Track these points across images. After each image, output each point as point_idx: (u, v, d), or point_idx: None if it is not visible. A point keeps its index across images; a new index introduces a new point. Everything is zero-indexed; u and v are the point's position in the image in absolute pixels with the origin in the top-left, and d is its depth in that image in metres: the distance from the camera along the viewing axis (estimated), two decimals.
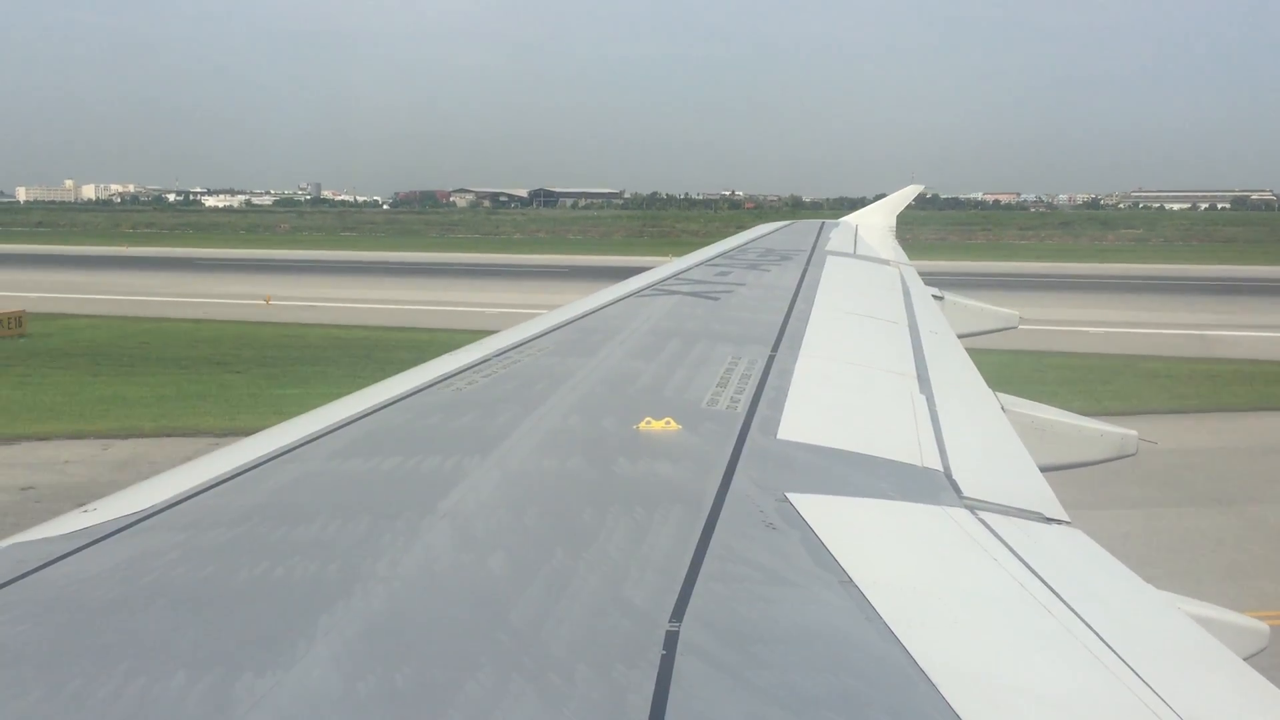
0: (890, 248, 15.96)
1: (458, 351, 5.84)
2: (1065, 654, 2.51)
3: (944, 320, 8.96)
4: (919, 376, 5.90)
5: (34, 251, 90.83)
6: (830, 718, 2.04)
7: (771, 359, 5.79)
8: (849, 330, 7.78)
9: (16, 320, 41.46)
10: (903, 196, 21.29)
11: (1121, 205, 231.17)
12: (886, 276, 11.87)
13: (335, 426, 4.11)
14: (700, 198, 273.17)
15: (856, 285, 11.03)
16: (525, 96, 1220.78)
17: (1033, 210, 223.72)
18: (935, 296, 10.74)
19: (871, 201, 22.72)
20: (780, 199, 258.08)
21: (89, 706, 1.97)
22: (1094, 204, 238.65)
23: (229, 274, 68.52)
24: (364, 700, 1.99)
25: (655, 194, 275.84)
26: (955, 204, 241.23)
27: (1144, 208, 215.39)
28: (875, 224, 19.23)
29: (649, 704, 2.00)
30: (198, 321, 45.08)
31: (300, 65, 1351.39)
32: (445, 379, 5.05)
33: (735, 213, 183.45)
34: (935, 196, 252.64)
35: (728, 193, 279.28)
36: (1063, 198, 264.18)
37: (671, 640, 2.26)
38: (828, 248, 14.29)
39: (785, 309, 7.89)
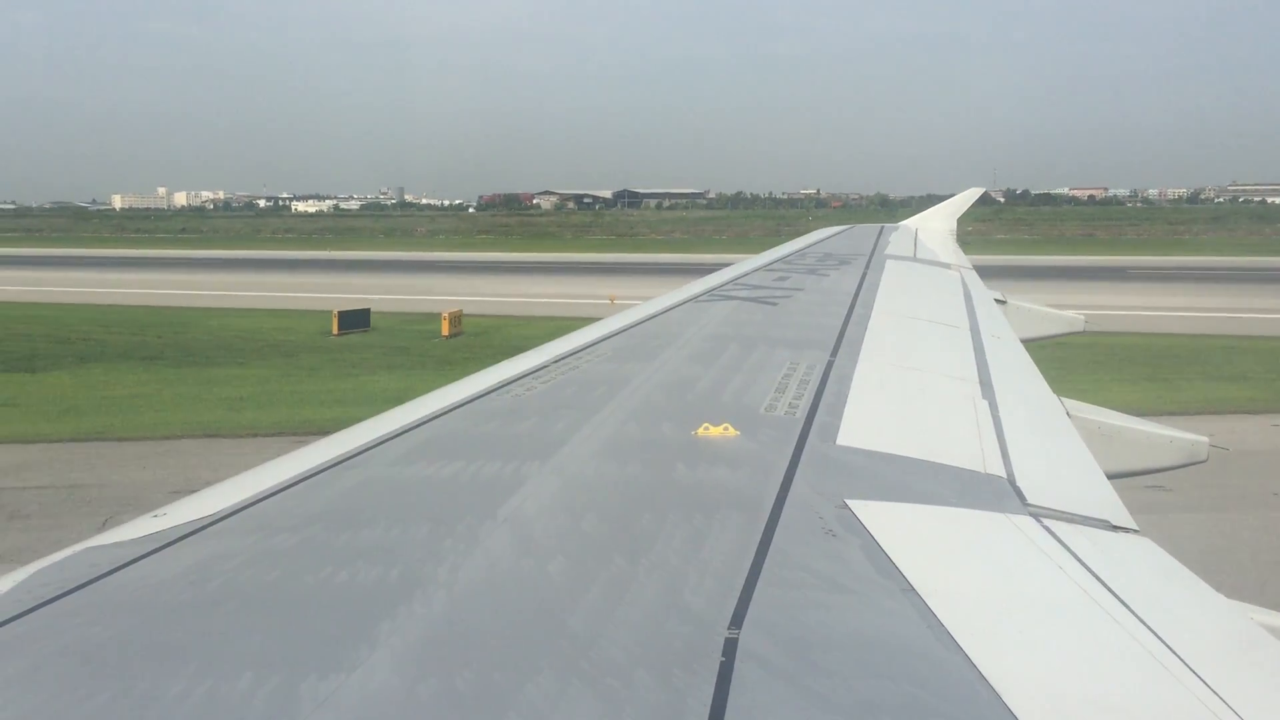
0: (951, 251, 15.68)
1: (518, 358, 5.94)
2: (1134, 665, 2.46)
3: (1007, 324, 8.86)
4: (981, 381, 5.85)
5: (242, 257, 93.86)
6: None
7: (830, 364, 5.74)
8: (909, 334, 7.71)
9: (458, 319, 44.15)
10: (964, 199, 21.23)
11: (1219, 200, 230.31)
12: (947, 280, 11.72)
13: (398, 432, 4.21)
14: (784, 197, 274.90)
15: (917, 289, 10.97)
16: (604, 98, 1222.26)
17: (1129, 205, 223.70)
18: (997, 300, 10.67)
19: None
20: (863, 197, 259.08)
21: (159, 706, 2.03)
22: (1194, 198, 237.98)
23: (506, 276, 70.97)
24: (425, 703, 2.03)
25: (740, 194, 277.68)
26: (1047, 200, 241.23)
27: (1244, 202, 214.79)
28: (936, 227, 18.97)
29: (708, 709, 2.01)
30: (588, 319, 47.34)
31: (378, 73, 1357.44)
32: (505, 385, 5.12)
33: (826, 212, 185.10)
34: (1026, 192, 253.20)
35: (812, 191, 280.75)
36: (1153, 192, 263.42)
37: (731, 647, 2.27)
38: (887, 251, 14.12)
39: (844, 313, 7.86)
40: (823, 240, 17.10)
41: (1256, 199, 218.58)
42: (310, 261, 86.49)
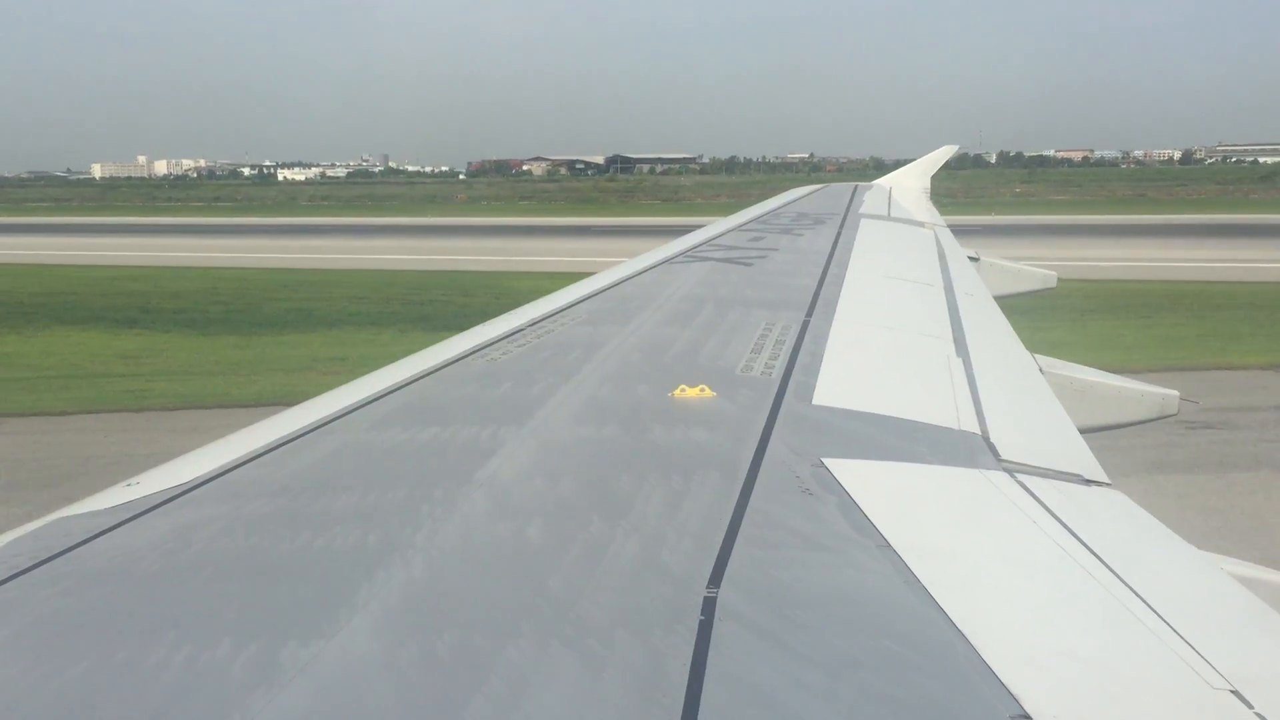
0: (925, 209, 15.79)
1: (493, 321, 5.92)
2: (1106, 615, 2.51)
3: (980, 282, 8.91)
4: (955, 339, 5.87)
5: (360, 224, 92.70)
6: (869, 680, 2.07)
7: (806, 324, 5.76)
8: (884, 293, 7.78)
9: None
10: (936, 158, 21.20)
11: (1210, 160, 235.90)
12: (921, 239, 11.87)
13: (373, 398, 4.20)
14: (778, 161, 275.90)
15: (891, 248, 11.03)
16: (592, 63, 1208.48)
17: (1122, 166, 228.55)
18: (971, 258, 10.77)
19: None
20: (853, 160, 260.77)
21: (138, 674, 2.02)
22: (1187, 159, 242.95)
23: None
24: (406, 666, 2.03)
25: (734, 158, 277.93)
26: (1042, 162, 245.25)
27: (1236, 162, 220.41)
28: (909, 186, 18.94)
29: (688, 668, 2.02)
30: None
31: (359, 37, 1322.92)
32: (480, 349, 5.10)
33: (824, 175, 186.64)
34: (1019, 155, 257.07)
35: (806, 155, 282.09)
36: (1138, 153, 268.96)
37: (709, 605, 2.29)
38: (861, 211, 14.10)
39: (819, 273, 7.88)
40: (797, 200, 17.00)
41: (1248, 159, 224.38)
42: (449, 228, 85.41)
